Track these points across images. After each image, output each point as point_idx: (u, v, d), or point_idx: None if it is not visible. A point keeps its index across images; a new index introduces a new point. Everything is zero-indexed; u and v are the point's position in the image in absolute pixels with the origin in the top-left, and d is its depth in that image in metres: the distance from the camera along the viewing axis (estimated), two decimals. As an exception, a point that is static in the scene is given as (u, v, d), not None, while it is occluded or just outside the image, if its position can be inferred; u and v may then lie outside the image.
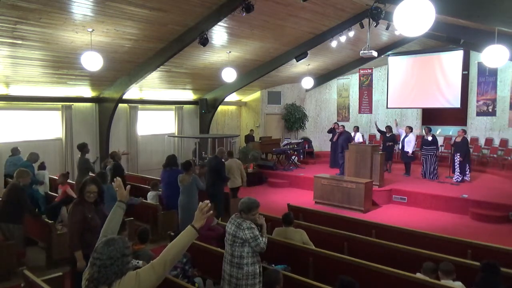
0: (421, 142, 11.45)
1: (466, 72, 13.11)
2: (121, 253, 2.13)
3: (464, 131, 10.74)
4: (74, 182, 8.12)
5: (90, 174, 7.48)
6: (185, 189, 6.45)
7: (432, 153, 10.93)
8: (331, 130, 12.91)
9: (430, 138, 10.97)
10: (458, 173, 10.50)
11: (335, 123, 13.15)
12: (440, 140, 12.76)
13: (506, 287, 3.79)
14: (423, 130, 11.46)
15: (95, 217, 4.04)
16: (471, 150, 11.83)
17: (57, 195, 7.48)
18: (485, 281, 3.62)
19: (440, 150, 12.46)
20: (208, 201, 2.54)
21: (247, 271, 3.69)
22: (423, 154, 11.26)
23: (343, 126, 12.57)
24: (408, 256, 4.85)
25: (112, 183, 3.15)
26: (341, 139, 12.00)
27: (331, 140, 13.03)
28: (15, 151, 8.41)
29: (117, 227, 2.84)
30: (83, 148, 8.18)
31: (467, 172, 10.58)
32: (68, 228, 4.05)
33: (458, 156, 10.43)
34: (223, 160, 8.21)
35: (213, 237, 5.42)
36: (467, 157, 10.52)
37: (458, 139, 10.52)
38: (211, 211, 2.53)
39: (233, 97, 14.93)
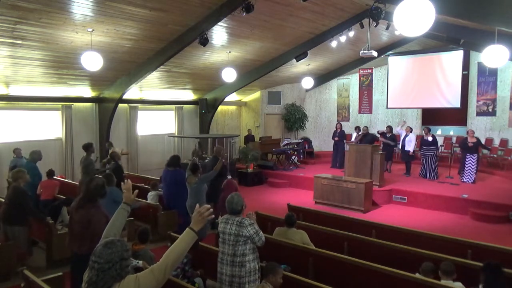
0: (421, 142, 11.40)
1: (466, 72, 13.11)
2: (120, 257, 2.09)
3: (473, 132, 10.69)
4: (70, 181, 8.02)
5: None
6: (192, 190, 6.46)
7: (432, 154, 10.91)
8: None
9: (430, 139, 10.93)
10: (474, 173, 10.42)
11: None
12: (440, 140, 12.75)
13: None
14: (423, 131, 11.39)
15: (109, 216, 4.09)
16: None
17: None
18: (488, 283, 3.60)
19: (440, 150, 12.44)
20: (209, 206, 2.51)
21: (249, 268, 3.77)
22: (422, 155, 11.22)
23: (367, 128, 12.44)
24: (408, 256, 4.86)
25: (122, 183, 3.15)
26: (365, 140, 11.92)
27: (333, 138, 13.04)
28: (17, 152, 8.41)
29: (120, 229, 2.83)
30: (88, 148, 8.11)
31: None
32: (92, 230, 3.94)
33: (475, 157, 10.36)
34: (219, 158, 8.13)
35: None
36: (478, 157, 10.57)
37: (474, 140, 10.39)
38: (213, 216, 2.53)
39: (233, 97, 14.93)
